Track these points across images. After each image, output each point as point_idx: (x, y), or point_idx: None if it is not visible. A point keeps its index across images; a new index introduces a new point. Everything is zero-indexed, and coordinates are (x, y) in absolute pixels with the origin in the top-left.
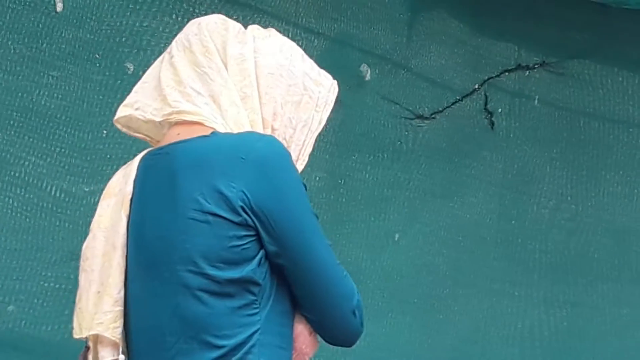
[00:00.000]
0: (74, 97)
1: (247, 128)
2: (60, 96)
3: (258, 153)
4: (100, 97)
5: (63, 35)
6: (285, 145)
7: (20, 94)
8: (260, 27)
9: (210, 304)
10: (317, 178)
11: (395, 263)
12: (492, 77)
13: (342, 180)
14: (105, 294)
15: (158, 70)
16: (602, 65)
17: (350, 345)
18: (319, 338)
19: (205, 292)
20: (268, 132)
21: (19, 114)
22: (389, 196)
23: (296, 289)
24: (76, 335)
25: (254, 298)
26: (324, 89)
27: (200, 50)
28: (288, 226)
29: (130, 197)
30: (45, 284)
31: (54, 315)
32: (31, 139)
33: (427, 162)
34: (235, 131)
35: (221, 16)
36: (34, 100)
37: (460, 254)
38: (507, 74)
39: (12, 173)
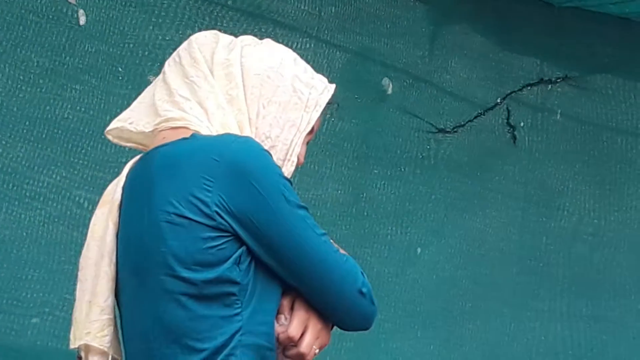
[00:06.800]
0: (96, 110)
1: (234, 129)
2: (82, 109)
3: (232, 154)
4: (123, 110)
5: (86, 48)
6: (271, 144)
7: (43, 107)
8: (254, 37)
9: (190, 307)
10: (338, 191)
11: (417, 277)
12: (514, 91)
13: (363, 194)
14: (94, 303)
15: (153, 89)
16: (625, 80)
17: (366, 328)
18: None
19: (184, 296)
20: (254, 131)
21: (41, 127)
22: (410, 210)
23: (295, 283)
24: (71, 345)
25: (235, 298)
26: (315, 90)
27: (188, 62)
28: (273, 225)
29: (118, 204)
30: (69, 296)
31: None
32: (53, 152)
33: (448, 176)
34: (221, 133)
35: (215, 31)
36: (56, 113)
37: (482, 268)
38: (529, 88)
39: (34, 185)
